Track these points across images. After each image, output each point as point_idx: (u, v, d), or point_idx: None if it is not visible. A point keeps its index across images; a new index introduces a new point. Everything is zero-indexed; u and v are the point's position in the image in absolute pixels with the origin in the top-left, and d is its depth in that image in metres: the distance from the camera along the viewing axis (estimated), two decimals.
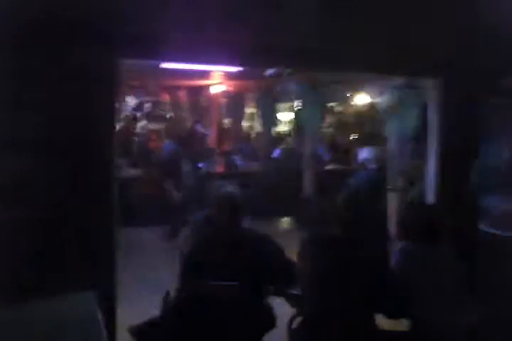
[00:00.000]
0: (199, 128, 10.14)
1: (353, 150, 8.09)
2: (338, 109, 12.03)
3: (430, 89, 3.81)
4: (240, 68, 6.02)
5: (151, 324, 2.67)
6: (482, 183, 3.66)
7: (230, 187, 3.01)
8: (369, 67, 3.53)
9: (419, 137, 4.67)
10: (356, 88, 8.82)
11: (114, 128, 2.93)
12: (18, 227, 2.69)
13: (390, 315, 2.70)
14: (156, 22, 2.84)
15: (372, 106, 9.54)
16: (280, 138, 10.85)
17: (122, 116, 11.17)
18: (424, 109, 4.11)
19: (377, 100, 5.21)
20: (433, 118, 3.79)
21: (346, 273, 2.57)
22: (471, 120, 3.61)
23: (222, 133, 10.29)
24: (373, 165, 6.81)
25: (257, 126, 11.03)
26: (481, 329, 2.77)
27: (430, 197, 3.79)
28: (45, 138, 2.72)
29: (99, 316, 2.18)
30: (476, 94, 3.53)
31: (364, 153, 7.32)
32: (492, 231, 3.58)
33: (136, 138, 10.21)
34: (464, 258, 2.87)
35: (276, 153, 9.08)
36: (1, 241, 2.70)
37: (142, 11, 2.85)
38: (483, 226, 3.64)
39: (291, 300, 2.93)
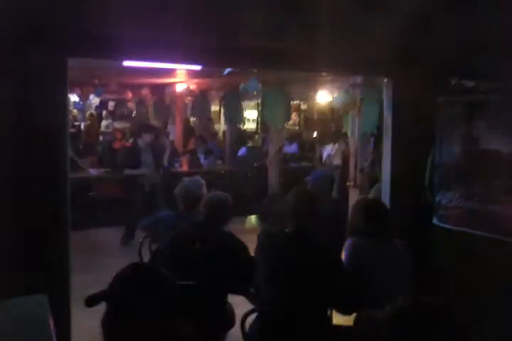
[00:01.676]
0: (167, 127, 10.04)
1: (318, 147, 8.18)
2: (304, 107, 12.12)
3: (385, 88, 3.90)
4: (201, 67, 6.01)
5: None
6: (435, 180, 3.75)
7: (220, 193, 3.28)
8: (326, 66, 3.60)
9: (380, 135, 4.76)
10: (319, 86, 8.91)
11: (66, 127, 2.89)
12: None
13: (343, 311, 2.77)
14: (114, 21, 2.81)
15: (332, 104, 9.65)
16: (246, 136, 10.87)
17: (87, 114, 10.98)
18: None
19: (333, 98, 5.28)
20: (388, 116, 3.88)
21: (299, 269, 2.61)
22: (423, 119, 3.70)
23: (187, 131, 10.24)
24: (336, 162, 6.94)
25: (223, 125, 11.02)
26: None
27: (385, 195, 3.88)
28: None
29: (50, 319, 2.17)
30: (426, 94, 3.61)
31: (327, 150, 7.44)
32: (444, 226, 3.69)
33: (101, 137, 10.06)
34: (416, 252, 2.96)
35: (242, 151, 9.10)
36: None
37: (101, 10, 2.81)
38: (436, 221, 3.75)
39: (252, 297, 2.97)
